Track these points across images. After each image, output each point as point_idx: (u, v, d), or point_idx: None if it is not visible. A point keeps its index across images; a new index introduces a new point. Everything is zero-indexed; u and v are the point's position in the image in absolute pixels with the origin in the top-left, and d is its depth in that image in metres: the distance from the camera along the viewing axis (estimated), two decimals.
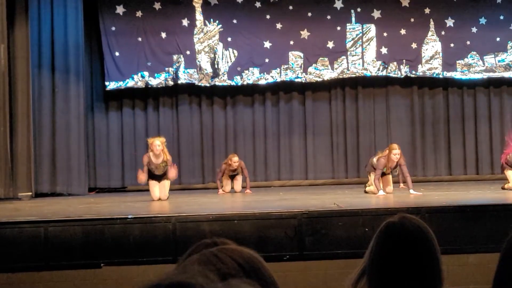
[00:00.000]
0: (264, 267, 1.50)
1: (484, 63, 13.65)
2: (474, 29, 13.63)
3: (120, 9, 13.02)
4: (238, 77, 13.32)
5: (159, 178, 10.51)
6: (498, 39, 13.63)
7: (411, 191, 9.91)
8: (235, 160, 11.66)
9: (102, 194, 12.54)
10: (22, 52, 11.45)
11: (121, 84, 13.06)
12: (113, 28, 12.99)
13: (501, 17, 13.63)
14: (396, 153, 10.34)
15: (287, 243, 7.10)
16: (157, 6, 13.12)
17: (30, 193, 11.36)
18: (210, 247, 1.68)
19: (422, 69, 13.61)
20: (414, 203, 8.66)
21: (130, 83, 13.06)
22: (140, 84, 13.10)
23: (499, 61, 13.68)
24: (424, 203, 8.38)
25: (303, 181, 13.51)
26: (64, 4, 12.29)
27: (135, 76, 13.06)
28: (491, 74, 13.65)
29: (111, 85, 13.04)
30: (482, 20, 13.62)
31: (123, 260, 6.94)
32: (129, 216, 7.34)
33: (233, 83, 13.30)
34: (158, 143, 10.43)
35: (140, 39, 13.09)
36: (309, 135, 13.68)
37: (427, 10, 13.54)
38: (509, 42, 13.67)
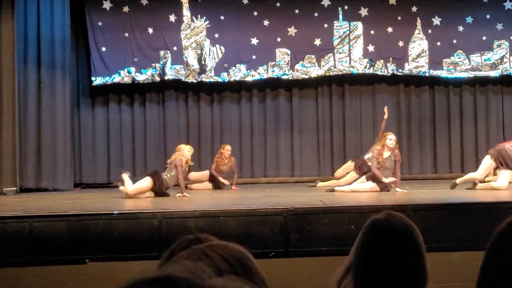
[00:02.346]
0: (253, 264, 1.49)
1: (470, 62, 13.71)
2: (460, 28, 13.68)
3: (107, 4, 12.97)
4: (225, 74, 13.30)
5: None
6: (484, 38, 13.69)
7: (397, 189, 9.89)
8: (228, 148, 11.71)
9: (88, 189, 12.49)
10: (8, 46, 11.36)
11: (107, 80, 13.02)
12: (100, 23, 12.94)
13: (487, 16, 13.69)
14: (391, 138, 10.17)
15: (273, 240, 7.10)
16: (144, 1, 13.08)
17: (15, 188, 11.29)
18: (193, 243, 1.68)
19: (409, 67, 13.65)
20: (399, 200, 8.67)
21: (116, 78, 13.02)
22: (127, 80, 13.06)
23: (485, 60, 13.74)
24: (409, 201, 8.40)
25: (289, 178, 13.54)
26: None
27: (121, 72, 13.02)
28: (477, 73, 13.71)
29: (98, 81, 13.00)
30: (469, 19, 13.68)
31: (108, 256, 6.92)
32: (115, 212, 7.32)
33: (220, 80, 13.29)
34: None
35: (127, 34, 13.05)
36: (296, 132, 13.69)
37: (414, 9, 13.58)
38: (495, 41, 13.73)
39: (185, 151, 10.34)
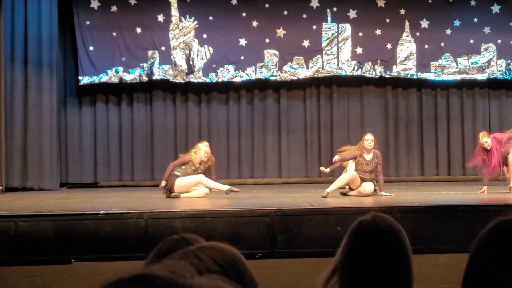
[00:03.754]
0: (245, 267, 1.49)
1: (457, 65, 13.77)
2: (448, 31, 13.74)
3: (95, 3, 12.93)
4: (213, 74, 13.30)
5: None
6: (471, 41, 13.76)
7: (382, 192, 9.61)
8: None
9: (74, 189, 12.46)
10: None
11: (94, 79, 12.98)
12: (88, 23, 12.91)
13: (475, 20, 13.75)
14: (368, 138, 9.86)
15: (260, 241, 7.09)
16: (132, 1, 13.05)
17: (1, 187, 11.24)
18: (179, 243, 1.67)
19: (397, 70, 13.69)
20: (386, 202, 8.70)
21: (104, 78, 12.99)
22: (114, 79, 13.03)
23: (472, 63, 13.81)
24: (396, 203, 8.42)
25: (277, 179, 13.54)
26: None
27: (109, 71, 12.99)
28: (464, 76, 13.77)
29: (85, 80, 12.96)
30: (457, 22, 13.74)
31: (94, 256, 6.89)
32: (101, 212, 7.29)
33: (208, 80, 13.28)
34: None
35: (114, 34, 13.02)
36: (283, 133, 13.70)
37: (402, 11, 13.63)
38: (482, 44, 13.80)
39: (201, 151, 10.04)
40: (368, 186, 9.72)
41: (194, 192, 9.98)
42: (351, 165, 10.33)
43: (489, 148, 9.79)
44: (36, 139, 12.05)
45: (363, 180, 9.77)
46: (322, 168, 10.55)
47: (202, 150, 10.06)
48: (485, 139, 9.84)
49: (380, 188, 9.74)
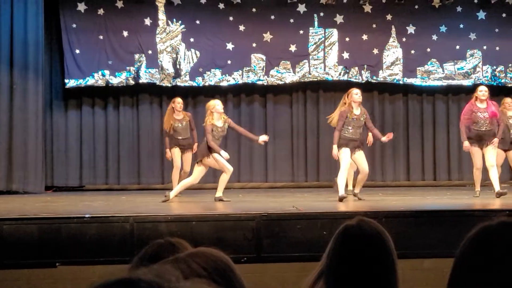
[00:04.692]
0: (234, 273, 1.49)
1: (443, 71, 13.83)
2: (434, 37, 13.80)
3: (81, 6, 12.89)
4: (200, 78, 13.28)
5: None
6: (457, 47, 13.83)
7: (383, 138, 10.02)
8: (179, 101, 11.17)
9: (59, 192, 12.40)
10: None
11: (81, 82, 12.93)
12: (74, 25, 12.86)
13: (461, 26, 13.82)
14: (357, 92, 9.99)
15: (245, 245, 7.09)
16: (119, 4, 13.02)
17: None
18: (164, 247, 1.67)
19: (383, 75, 13.73)
20: (372, 207, 8.72)
21: (90, 81, 12.94)
22: (101, 83, 12.99)
23: (458, 69, 13.88)
24: (381, 207, 8.46)
25: (263, 184, 13.53)
26: (24, 0, 12.12)
27: (95, 74, 12.94)
28: (450, 82, 13.84)
29: (71, 83, 12.91)
30: (443, 28, 13.80)
31: (79, 260, 6.86)
32: (86, 216, 7.26)
33: (194, 84, 13.26)
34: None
35: (101, 37, 12.98)
36: (270, 138, 13.67)
37: (389, 17, 13.67)
38: (468, 50, 13.87)
39: (209, 113, 10.14)
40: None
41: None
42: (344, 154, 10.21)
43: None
44: (22, 142, 11.98)
45: (354, 145, 9.82)
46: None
47: (209, 111, 10.12)
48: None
49: (378, 136, 10.11)
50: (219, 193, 9.96)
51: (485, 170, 10.07)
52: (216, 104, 10.14)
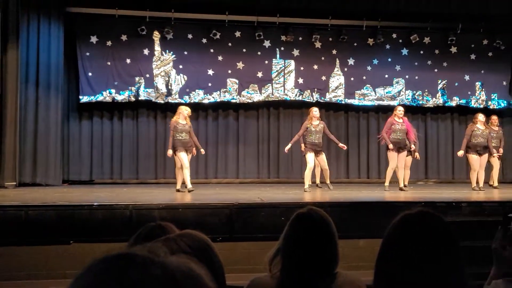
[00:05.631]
0: (214, 253, 1.47)
1: (375, 94, 13.95)
2: (369, 68, 13.92)
3: (93, 39, 12.78)
4: (187, 97, 13.23)
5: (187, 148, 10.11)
6: (386, 76, 13.96)
7: (340, 144, 10.71)
8: (186, 108, 10.54)
9: (73, 185, 12.25)
10: (12, 70, 11.14)
11: (92, 98, 12.81)
12: (87, 54, 12.74)
13: (389, 60, 13.96)
14: (316, 110, 10.64)
15: (221, 227, 7.07)
16: (124, 37, 12.93)
17: (15, 183, 11.06)
18: (155, 228, 1.65)
19: (329, 96, 13.81)
20: (319, 198, 8.76)
21: (99, 98, 12.83)
22: (108, 99, 12.87)
23: (386, 92, 14.01)
24: (327, 199, 8.49)
25: (235, 180, 13.52)
26: (48, 33, 12.03)
27: (104, 93, 12.83)
28: (381, 102, 13.96)
29: (84, 99, 12.78)
30: (375, 61, 13.93)
31: (88, 239, 6.79)
32: (95, 204, 7.19)
33: (182, 101, 13.18)
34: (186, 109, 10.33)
35: (109, 63, 12.87)
36: (241, 144, 13.70)
37: (334, 51, 13.76)
38: (394, 78, 14.01)
39: (176, 114, 10.22)
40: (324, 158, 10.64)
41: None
42: (309, 156, 10.56)
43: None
44: (44, 145, 11.87)
45: (316, 150, 10.42)
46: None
47: (179, 111, 10.23)
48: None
49: (337, 142, 10.79)
50: (178, 186, 10.12)
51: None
52: (185, 109, 10.33)
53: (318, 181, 11.51)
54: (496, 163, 11.13)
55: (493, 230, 2.68)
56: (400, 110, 10.67)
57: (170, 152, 10.07)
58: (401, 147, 10.41)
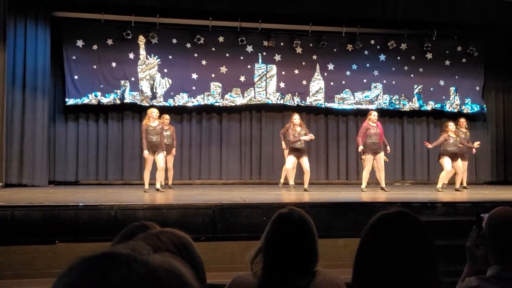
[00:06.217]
0: (194, 249, 1.46)
1: (354, 98, 14.02)
2: (348, 73, 13.99)
3: (80, 43, 12.68)
4: (171, 100, 13.19)
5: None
6: (364, 80, 14.05)
7: (309, 135, 10.73)
8: (167, 118, 11.24)
9: (59, 186, 12.14)
10: (0, 72, 11.01)
11: (78, 101, 12.71)
12: (74, 57, 12.64)
13: (367, 65, 14.05)
14: (295, 117, 10.81)
15: (204, 227, 7.05)
16: (109, 42, 12.85)
17: (1, 184, 10.94)
18: (139, 228, 1.64)
19: (310, 100, 13.85)
20: (300, 199, 8.77)
21: (85, 100, 12.73)
22: (94, 102, 12.78)
23: (365, 96, 14.09)
24: (307, 199, 8.51)
25: (218, 181, 13.49)
26: (35, 37, 11.91)
27: (90, 95, 12.73)
28: (359, 106, 14.03)
29: (70, 101, 12.68)
30: (354, 66, 14.00)
31: (73, 238, 6.72)
32: (80, 204, 7.12)
33: (167, 104, 13.16)
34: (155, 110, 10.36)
35: (95, 66, 12.78)
36: (224, 146, 13.68)
37: (314, 57, 13.81)
38: (372, 83, 14.10)
39: (146, 118, 10.33)
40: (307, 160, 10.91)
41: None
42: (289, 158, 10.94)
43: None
44: (31, 147, 11.75)
45: (299, 154, 10.69)
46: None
47: (149, 114, 10.31)
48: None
49: (306, 138, 10.81)
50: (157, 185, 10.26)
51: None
52: (152, 111, 10.35)
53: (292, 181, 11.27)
54: (465, 166, 11.36)
55: (466, 230, 2.71)
56: (374, 115, 10.81)
57: (146, 152, 10.08)
58: (377, 150, 10.53)
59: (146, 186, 10.13)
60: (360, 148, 10.55)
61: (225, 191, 10.36)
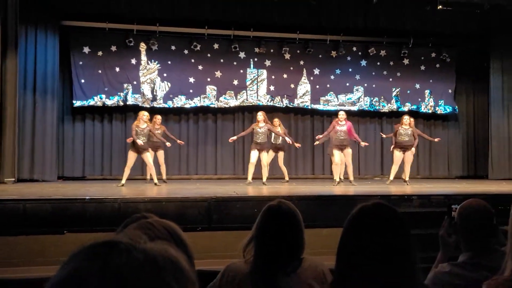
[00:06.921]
0: (183, 237, 1.46)
1: (338, 100, 14.06)
2: (332, 77, 14.03)
3: (86, 49, 12.63)
4: (170, 102, 13.17)
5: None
6: (347, 84, 14.08)
7: (287, 138, 11.00)
8: (159, 118, 11.26)
9: (67, 181, 12.09)
10: (12, 77, 10.91)
11: (84, 103, 12.66)
12: (80, 63, 12.59)
13: (350, 70, 14.09)
14: (260, 114, 10.86)
15: (200, 218, 7.04)
16: (113, 48, 12.81)
17: (14, 179, 10.85)
18: (140, 219, 1.63)
19: (297, 102, 13.87)
20: (288, 192, 8.78)
21: (91, 102, 12.68)
22: (99, 104, 12.74)
23: (347, 99, 14.13)
24: (294, 192, 8.52)
25: (214, 176, 13.49)
26: (45, 44, 11.87)
27: (95, 98, 12.68)
28: (342, 107, 14.03)
29: (78, 103, 12.63)
30: (338, 71, 14.04)
31: (81, 229, 6.69)
32: (87, 197, 7.09)
33: (166, 106, 13.14)
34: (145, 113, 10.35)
35: (100, 71, 12.73)
36: (219, 144, 13.68)
37: (301, 62, 13.84)
38: (355, 86, 14.14)
39: (137, 120, 10.34)
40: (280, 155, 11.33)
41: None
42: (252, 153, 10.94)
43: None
44: (41, 145, 11.71)
45: (261, 148, 10.74)
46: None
47: (139, 116, 10.32)
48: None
49: (288, 137, 11.14)
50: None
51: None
52: (143, 114, 10.36)
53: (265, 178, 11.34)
54: (410, 158, 11.12)
55: (439, 220, 2.72)
56: (341, 114, 10.89)
57: (131, 139, 10.15)
58: (344, 146, 10.61)
59: (123, 181, 10.02)
60: (317, 143, 11.12)
61: (219, 185, 10.35)
